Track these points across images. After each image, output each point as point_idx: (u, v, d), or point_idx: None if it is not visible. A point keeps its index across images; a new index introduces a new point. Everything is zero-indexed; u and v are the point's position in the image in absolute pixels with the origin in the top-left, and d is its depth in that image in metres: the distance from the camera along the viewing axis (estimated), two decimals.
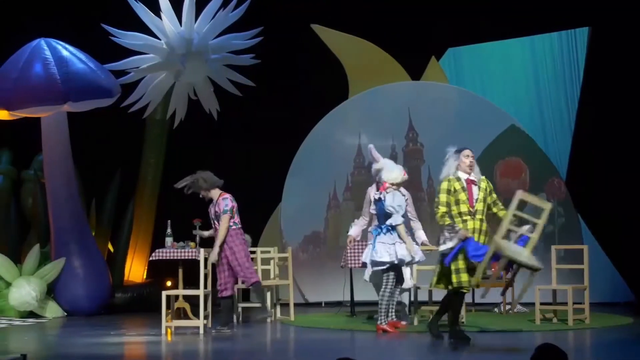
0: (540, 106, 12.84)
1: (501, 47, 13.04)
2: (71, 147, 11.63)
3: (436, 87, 12.88)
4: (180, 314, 10.38)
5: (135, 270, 13.02)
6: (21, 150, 12.61)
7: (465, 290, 8.55)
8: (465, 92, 12.89)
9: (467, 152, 8.56)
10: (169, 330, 9.76)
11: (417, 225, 10.20)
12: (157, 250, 10.09)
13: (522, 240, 8.05)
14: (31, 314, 11.43)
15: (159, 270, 12.26)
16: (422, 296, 10.33)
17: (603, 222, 12.12)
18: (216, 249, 9.71)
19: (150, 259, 10.33)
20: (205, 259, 9.91)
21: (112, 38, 11.46)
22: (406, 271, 9.88)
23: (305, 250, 12.94)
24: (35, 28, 11.60)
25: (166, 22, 11.43)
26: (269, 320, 10.69)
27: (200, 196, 9.95)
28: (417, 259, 9.57)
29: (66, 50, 11.11)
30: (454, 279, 8.41)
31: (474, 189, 8.44)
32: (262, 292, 10.07)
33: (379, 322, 9.45)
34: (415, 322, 10.00)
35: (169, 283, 11.96)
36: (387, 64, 12.98)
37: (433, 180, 12.80)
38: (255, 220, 11.97)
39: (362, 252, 10.09)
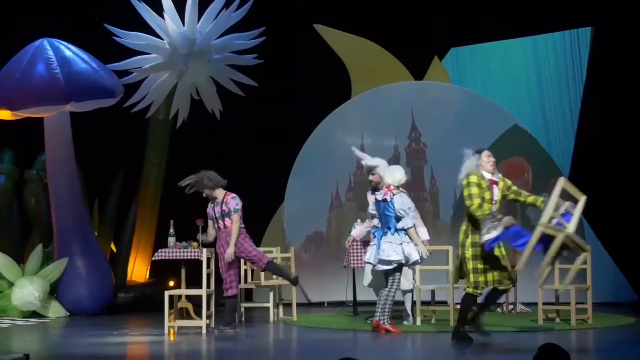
0: (543, 106, 12.84)
1: (504, 47, 13.04)
2: (74, 147, 11.64)
3: (439, 87, 12.88)
4: (183, 314, 10.37)
5: (137, 270, 13.02)
6: (24, 150, 12.61)
7: (478, 292, 8.53)
8: (468, 92, 12.88)
9: (488, 152, 8.57)
10: (171, 330, 9.76)
11: (418, 223, 10.20)
12: (159, 250, 10.09)
13: (566, 218, 8.01)
14: (34, 314, 11.44)
15: (162, 270, 12.26)
16: (425, 296, 10.31)
17: (606, 222, 12.11)
18: (232, 248, 9.73)
19: (153, 258, 10.33)
20: (208, 259, 9.91)
21: (115, 38, 11.46)
22: (408, 272, 9.87)
23: (307, 250, 12.94)
24: (38, 28, 11.61)
25: (169, 22, 11.43)
26: (270, 319, 10.67)
27: (204, 195, 9.95)
28: (424, 259, 9.58)
29: (69, 50, 11.12)
30: (471, 278, 8.41)
31: (495, 189, 8.47)
32: (277, 267, 10.13)
33: (381, 322, 9.45)
34: (418, 322, 9.99)
35: (171, 283, 11.96)
36: (390, 64, 12.98)
37: (436, 180, 12.80)
38: (258, 220, 11.97)
39: (364, 252, 10.08)
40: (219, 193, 9.89)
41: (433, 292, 10.41)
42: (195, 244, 9.97)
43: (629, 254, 12.17)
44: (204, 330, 9.64)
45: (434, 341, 9.20)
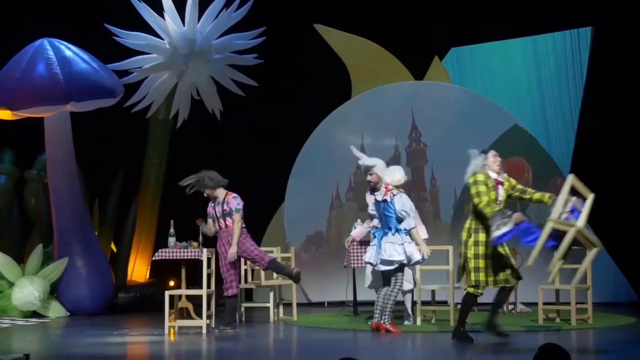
0: (543, 106, 12.84)
1: (504, 47, 13.04)
2: (74, 147, 11.64)
3: (439, 87, 12.88)
4: (183, 314, 10.38)
5: (138, 270, 13.02)
6: (24, 150, 12.62)
7: (479, 292, 8.53)
8: (468, 92, 12.88)
9: (494, 152, 8.62)
10: (171, 330, 9.76)
11: (417, 222, 10.19)
12: (160, 250, 10.09)
13: (574, 214, 8.02)
14: (34, 314, 11.44)
15: (162, 270, 12.26)
16: (425, 296, 10.31)
17: (606, 221, 12.10)
18: (234, 247, 9.73)
19: (153, 258, 10.33)
20: (208, 259, 9.91)
21: (115, 38, 11.46)
22: (408, 272, 9.87)
23: (307, 250, 12.94)
24: (38, 28, 11.61)
25: (169, 22, 11.44)
26: (271, 319, 10.66)
27: (205, 195, 9.95)
28: (425, 259, 9.61)
29: (69, 50, 11.12)
30: (472, 277, 8.42)
31: (500, 189, 8.49)
32: (279, 266, 10.14)
33: (382, 322, 9.45)
34: (418, 322, 9.99)
35: (171, 283, 11.96)
36: (390, 63, 12.98)
37: (436, 180, 12.80)
38: (258, 220, 11.97)
39: (364, 252, 10.08)
40: (220, 193, 9.90)
41: (433, 292, 10.41)
42: (195, 244, 9.97)
43: (629, 253, 12.17)
44: (204, 330, 9.64)
45: (434, 341, 9.20)
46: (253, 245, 9.96)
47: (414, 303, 10.15)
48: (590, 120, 12.50)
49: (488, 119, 12.57)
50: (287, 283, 11.00)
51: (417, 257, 9.45)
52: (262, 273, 10.55)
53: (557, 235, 7.87)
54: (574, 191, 8.04)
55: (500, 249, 8.38)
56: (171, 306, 9.89)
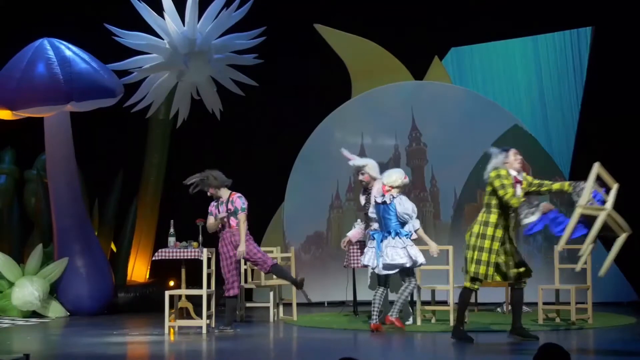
0: (543, 106, 12.84)
1: (504, 47, 13.04)
2: (74, 147, 11.64)
3: (439, 87, 12.88)
4: (183, 314, 10.38)
5: (138, 270, 13.02)
6: (24, 150, 12.62)
7: (475, 287, 8.56)
8: (468, 92, 12.88)
9: (515, 150, 8.66)
10: (171, 330, 9.76)
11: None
12: (159, 250, 10.09)
13: (596, 198, 8.04)
14: (34, 314, 11.44)
15: (162, 270, 12.26)
16: (425, 296, 10.31)
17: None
18: (243, 245, 9.76)
19: (153, 258, 10.33)
20: (208, 259, 9.91)
21: (115, 38, 11.46)
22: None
23: (307, 251, 12.93)
24: (38, 28, 11.61)
25: (169, 21, 11.43)
26: (271, 319, 10.66)
27: (208, 194, 9.95)
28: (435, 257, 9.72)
29: (69, 50, 11.12)
30: (471, 268, 8.44)
31: (518, 188, 8.51)
32: (282, 270, 10.15)
33: (390, 315, 9.52)
34: (418, 322, 9.99)
35: (171, 283, 11.96)
36: (390, 63, 12.98)
37: (436, 180, 12.80)
38: (258, 220, 11.96)
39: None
40: (224, 193, 9.90)
41: (433, 291, 10.41)
42: (195, 243, 9.97)
43: (629, 253, 12.14)
44: (204, 330, 9.64)
45: (434, 341, 9.20)
46: (256, 248, 9.96)
47: (414, 303, 10.15)
48: (590, 120, 12.50)
49: (488, 119, 12.57)
50: (287, 283, 11.00)
51: (421, 259, 9.51)
52: (262, 273, 10.54)
53: (586, 222, 7.88)
54: (598, 180, 8.05)
55: (508, 245, 8.41)
56: (171, 306, 9.89)
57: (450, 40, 13.08)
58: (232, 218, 9.84)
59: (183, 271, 10.27)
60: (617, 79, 12.28)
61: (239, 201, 9.84)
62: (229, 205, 9.84)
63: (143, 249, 12.99)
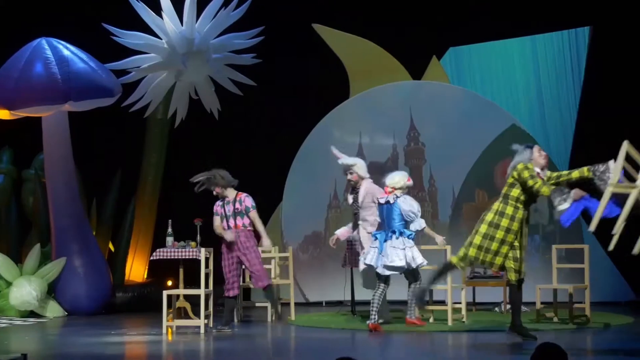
0: (541, 105, 12.84)
1: (502, 47, 13.04)
2: (72, 147, 11.63)
3: (437, 87, 12.88)
4: (181, 314, 10.38)
5: (136, 269, 13.02)
6: (22, 150, 12.61)
7: (461, 265, 8.56)
8: (467, 92, 12.89)
9: (538, 147, 8.70)
10: (169, 330, 9.76)
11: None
12: (157, 250, 10.09)
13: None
14: (32, 314, 11.44)
15: (160, 270, 12.25)
16: (440, 296, 10.33)
17: (604, 221, 12.08)
18: (267, 238, 9.89)
19: (151, 258, 10.33)
20: (206, 258, 9.90)
21: (113, 37, 11.45)
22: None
23: (305, 251, 12.93)
24: (36, 27, 11.60)
25: (167, 21, 11.43)
26: (269, 319, 10.67)
27: (214, 193, 9.92)
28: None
29: (67, 50, 11.12)
30: (470, 252, 8.44)
31: None
32: (273, 294, 10.07)
33: (408, 316, 9.69)
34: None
35: (169, 282, 11.96)
36: (388, 63, 12.98)
37: (434, 180, 12.80)
38: None
39: (362, 252, 10.10)
40: (230, 192, 9.90)
41: (431, 291, 10.41)
42: (193, 243, 9.97)
43: (627, 253, 12.14)
44: (202, 330, 9.63)
45: (432, 340, 9.20)
46: (258, 259, 9.89)
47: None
48: (588, 119, 12.50)
49: (486, 119, 12.57)
50: (285, 283, 11.01)
51: (419, 260, 9.57)
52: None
53: (618, 202, 7.87)
54: (628, 158, 8.04)
55: (524, 239, 8.45)
56: (169, 306, 9.88)
57: (448, 40, 13.08)
58: (238, 218, 9.82)
59: (181, 271, 10.27)
60: (615, 78, 12.28)
61: (248, 200, 9.86)
62: (237, 205, 9.83)
63: (141, 249, 12.99)
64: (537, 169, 8.58)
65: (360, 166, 10.08)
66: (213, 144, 12.93)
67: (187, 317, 10.29)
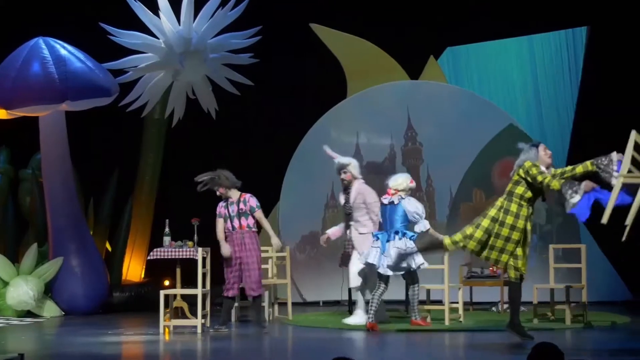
0: (538, 105, 12.85)
1: (500, 47, 13.05)
2: (69, 146, 11.63)
3: (435, 86, 12.88)
4: (178, 313, 10.36)
5: (133, 269, 13.01)
6: (19, 149, 12.59)
7: (449, 246, 8.53)
8: (464, 92, 12.89)
9: (544, 145, 8.69)
10: (166, 330, 9.75)
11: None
12: (155, 250, 10.08)
13: (620, 167, 8.07)
14: (29, 313, 11.43)
15: (157, 270, 12.25)
16: (420, 295, 10.31)
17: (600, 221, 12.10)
18: (275, 237, 9.96)
19: (148, 258, 10.32)
20: (204, 258, 9.89)
21: (111, 37, 11.45)
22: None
23: (302, 250, 12.93)
24: (34, 27, 11.59)
25: (165, 21, 11.42)
26: (266, 319, 10.67)
27: (218, 194, 9.90)
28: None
29: (64, 49, 11.11)
30: (470, 245, 8.43)
31: None
32: (258, 307, 9.95)
33: (413, 318, 9.77)
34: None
35: (166, 282, 11.94)
36: (386, 63, 12.98)
37: (432, 180, 12.80)
38: None
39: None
40: (234, 193, 9.88)
41: (428, 291, 10.41)
42: (190, 243, 9.95)
43: (624, 253, 12.16)
44: (199, 330, 9.63)
45: (429, 340, 9.20)
46: (259, 264, 9.84)
47: (408, 302, 10.18)
48: (586, 119, 12.51)
49: (484, 118, 12.58)
50: (282, 282, 11.00)
51: (419, 261, 9.63)
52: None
53: (628, 191, 7.89)
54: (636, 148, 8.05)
55: (529, 236, 8.44)
56: (166, 305, 9.87)
57: (446, 40, 13.08)
58: (242, 218, 9.80)
59: (178, 271, 10.26)
60: (612, 78, 12.29)
61: (253, 200, 9.86)
62: (241, 205, 9.81)
63: (138, 249, 12.98)
64: (543, 168, 8.59)
65: (354, 166, 10.14)
66: (210, 144, 12.92)
67: (184, 317, 10.28)
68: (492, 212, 8.49)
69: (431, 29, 12.80)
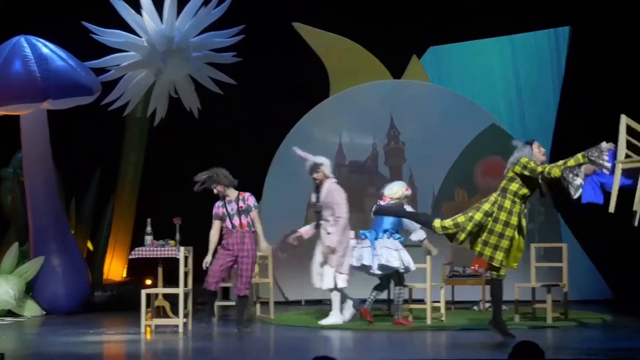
0: (520, 105, 12.90)
1: (482, 46, 13.10)
2: (51, 145, 11.58)
3: (417, 86, 12.91)
4: (160, 313, 10.34)
5: (114, 268, 12.97)
6: (0, 148, 12.53)
7: (438, 230, 8.55)
8: (447, 91, 12.92)
9: (537, 143, 8.71)
10: (148, 329, 9.73)
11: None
12: (136, 249, 10.06)
13: (610, 159, 8.10)
14: (9, 313, 11.37)
15: (139, 269, 12.21)
16: (420, 295, 10.35)
17: (582, 220, 12.17)
18: (264, 241, 9.78)
19: (130, 257, 10.30)
20: (185, 257, 9.87)
21: (93, 35, 11.41)
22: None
23: (284, 249, 12.90)
24: (16, 25, 11.54)
25: (147, 19, 11.40)
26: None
27: (215, 192, 9.82)
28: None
29: (46, 48, 11.07)
30: (460, 236, 8.47)
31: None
32: (244, 305, 9.88)
33: (395, 317, 9.80)
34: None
35: (148, 281, 11.91)
36: (368, 62, 13.00)
37: (415, 179, 12.82)
38: None
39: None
40: (232, 192, 9.83)
41: (410, 290, 10.44)
42: (172, 242, 9.93)
43: (605, 252, 12.24)
44: (180, 329, 9.61)
45: (411, 339, 9.22)
46: (251, 266, 9.79)
47: (391, 301, 10.21)
48: (568, 119, 12.56)
49: (466, 118, 12.61)
50: (264, 281, 11.00)
51: (412, 267, 9.77)
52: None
53: (628, 175, 7.94)
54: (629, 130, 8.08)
55: (524, 231, 8.46)
56: (148, 305, 9.85)
57: (428, 40, 13.11)
58: (242, 216, 9.73)
59: (160, 270, 10.24)
60: (594, 78, 12.35)
61: (251, 199, 9.81)
62: (241, 203, 9.77)
63: (120, 248, 12.95)
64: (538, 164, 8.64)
65: (327, 165, 10.17)
66: (193, 143, 12.89)
67: (165, 316, 10.26)
68: (486, 206, 8.50)
69: (414, 29, 12.82)
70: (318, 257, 10.09)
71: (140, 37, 11.58)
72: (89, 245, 12.85)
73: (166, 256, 9.94)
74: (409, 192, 9.99)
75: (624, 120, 8.09)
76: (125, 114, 12.16)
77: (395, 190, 9.89)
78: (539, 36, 12.88)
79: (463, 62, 13.18)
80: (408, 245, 9.92)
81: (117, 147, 12.90)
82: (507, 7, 12.54)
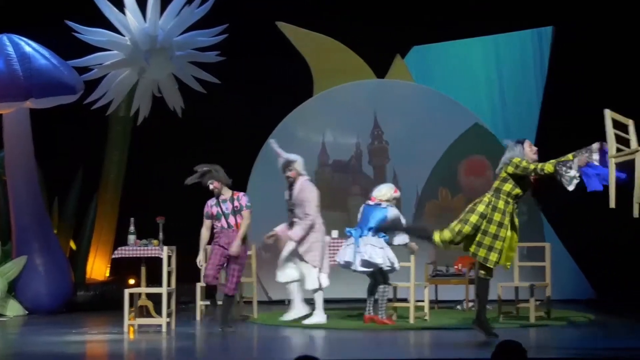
0: (503, 105, 12.94)
1: (465, 46, 13.13)
2: (33, 144, 11.53)
3: (401, 85, 12.92)
4: (143, 312, 10.32)
5: (97, 268, 12.93)
6: None
7: (440, 246, 8.59)
8: (430, 90, 12.94)
9: (529, 142, 8.72)
10: (131, 329, 9.70)
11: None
12: (119, 248, 10.04)
13: (604, 157, 8.15)
14: None
15: (122, 268, 12.18)
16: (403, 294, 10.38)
17: (565, 220, 12.22)
18: (239, 241, 9.51)
19: (113, 256, 10.28)
20: (169, 257, 9.85)
21: (76, 34, 11.37)
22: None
23: (268, 249, 12.88)
24: None
25: (130, 18, 11.37)
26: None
27: (210, 188, 9.74)
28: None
29: (29, 46, 11.02)
30: (456, 238, 8.48)
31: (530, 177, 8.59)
32: (230, 305, 9.80)
33: (379, 316, 9.78)
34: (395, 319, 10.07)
35: (131, 281, 11.87)
36: (352, 61, 13.01)
37: (398, 178, 12.83)
38: None
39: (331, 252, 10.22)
40: (226, 191, 9.78)
41: (395, 289, 10.44)
42: (155, 241, 9.92)
43: (587, 251, 12.29)
44: (164, 329, 9.59)
45: (394, 338, 9.23)
46: (242, 265, 9.74)
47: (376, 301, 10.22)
48: (551, 118, 12.61)
49: (449, 117, 12.64)
50: (248, 281, 10.99)
51: (397, 266, 9.80)
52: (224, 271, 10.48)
53: (621, 169, 8.00)
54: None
55: (509, 233, 8.47)
56: (131, 304, 9.83)
57: (412, 39, 13.13)
58: (237, 215, 9.67)
59: (143, 269, 10.22)
60: (577, 78, 12.39)
61: (245, 199, 9.75)
62: (235, 203, 9.73)
63: (103, 247, 12.91)
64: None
65: (300, 163, 10.15)
66: (176, 142, 12.86)
67: (149, 315, 10.24)
68: (481, 208, 8.50)
69: (398, 28, 12.84)
70: (285, 252, 10.13)
71: (124, 36, 11.55)
72: (72, 244, 12.81)
73: (149, 255, 9.92)
74: (397, 194, 10.01)
75: (608, 114, 8.13)
76: (108, 113, 12.12)
77: (383, 192, 9.91)
78: (522, 36, 12.92)
79: (446, 62, 13.21)
80: (392, 245, 9.93)
81: (100, 146, 12.87)
82: (490, 7, 12.57)
